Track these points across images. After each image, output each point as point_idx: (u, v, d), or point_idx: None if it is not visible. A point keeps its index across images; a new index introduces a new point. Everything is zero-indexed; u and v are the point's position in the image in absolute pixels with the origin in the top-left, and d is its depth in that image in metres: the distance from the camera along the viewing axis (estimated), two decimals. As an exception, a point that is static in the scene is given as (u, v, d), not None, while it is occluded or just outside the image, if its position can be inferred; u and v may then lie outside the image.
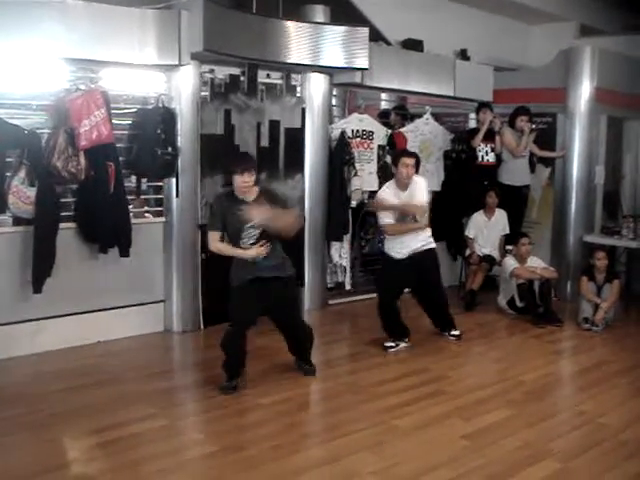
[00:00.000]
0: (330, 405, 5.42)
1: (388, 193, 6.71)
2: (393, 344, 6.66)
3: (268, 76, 7.72)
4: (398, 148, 8.54)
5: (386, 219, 6.71)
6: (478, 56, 10.26)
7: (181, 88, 6.83)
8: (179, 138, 6.82)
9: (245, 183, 5.47)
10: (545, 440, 4.82)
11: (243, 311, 5.47)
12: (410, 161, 6.59)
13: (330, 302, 8.25)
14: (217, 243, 5.52)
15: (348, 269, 8.51)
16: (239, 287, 5.53)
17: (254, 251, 5.41)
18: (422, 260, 6.74)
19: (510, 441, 4.76)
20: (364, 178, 8.38)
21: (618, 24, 11.60)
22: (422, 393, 5.60)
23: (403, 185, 6.63)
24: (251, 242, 5.46)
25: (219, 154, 7.09)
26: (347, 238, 8.44)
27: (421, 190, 6.68)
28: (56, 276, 6.15)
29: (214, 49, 6.62)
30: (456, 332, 7.11)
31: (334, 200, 8.12)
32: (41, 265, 6.07)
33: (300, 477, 4.24)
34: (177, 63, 6.63)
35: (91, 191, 6.35)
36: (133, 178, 6.93)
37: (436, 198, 9.26)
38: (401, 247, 6.69)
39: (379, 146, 8.55)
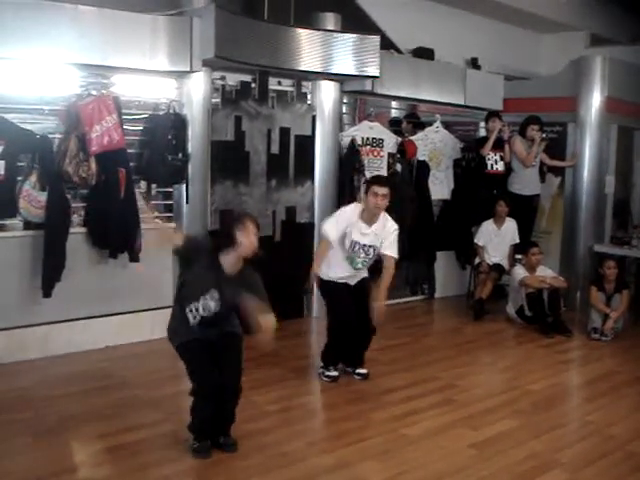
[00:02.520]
0: (338, 413, 5.41)
1: (347, 220, 5.94)
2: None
3: (279, 83, 7.74)
4: (408, 155, 8.56)
5: (330, 232, 5.96)
6: (489, 65, 10.25)
7: (192, 94, 6.85)
8: (190, 144, 6.85)
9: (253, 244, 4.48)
10: (553, 450, 4.80)
11: (206, 372, 4.56)
12: (383, 190, 5.78)
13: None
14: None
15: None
16: (187, 344, 4.61)
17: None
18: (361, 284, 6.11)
19: (518, 451, 4.75)
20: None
21: (629, 34, 11.58)
22: (430, 402, 5.59)
23: (370, 217, 5.87)
24: (201, 314, 4.50)
25: (229, 161, 7.12)
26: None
27: (392, 243, 5.94)
28: (66, 280, 6.17)
29: (225, 56, 6.64)
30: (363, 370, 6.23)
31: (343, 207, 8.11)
32: (51, 269, 6.09)
33: (307, 484, 4.25)
34: (188, 70, 6.65)
35: (102, 196, 6.37)
36: (143, 184, 6.94)
37: (445, 206, 9.29)
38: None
39: (389, 154, 8.55)
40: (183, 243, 4.53)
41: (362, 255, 5.89)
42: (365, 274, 6.09)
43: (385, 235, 5.92)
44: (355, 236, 5.84)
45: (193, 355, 4.57)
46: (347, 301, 5.96)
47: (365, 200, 5.91)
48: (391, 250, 5.91)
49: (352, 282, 6.03)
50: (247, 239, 4.41)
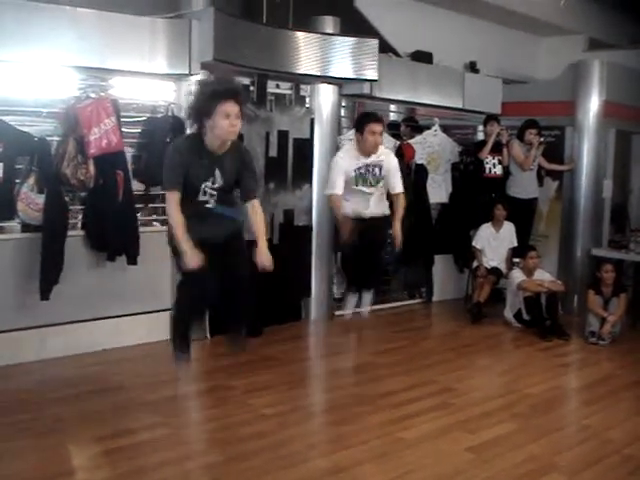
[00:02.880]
0: (335, 416, 5.40)
1: (343, 168, 6.20)
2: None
3: (277, 86, 7.73)
4: (406, 159, 8.56)
5: (335, 188, 6.22)
6: (487, 69, 10.28)
7: (191, 97, 6.84)
8: (188, 147, 6.83)
9: (234, 127, 4.47)
10: (550, 454, 4.80)
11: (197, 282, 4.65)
12: (380, 128, 6.12)
13: (337, 313, 8.24)
14: (176, 211, 4.51)
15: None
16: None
17: (192, 258, 4.42)
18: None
19: (515, 454, 4.74)
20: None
21: (627, 38, 11.62)
22: (428, 405, 5.59)
23: (367, 153, 6.18)
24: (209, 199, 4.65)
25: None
26: (354, 249, 8.42)
27: (397, 179, 6.34)
28: (64, 283, 6.16)
29: (224, 59, 6.65)
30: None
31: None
32: (49, 272, 6.08)
33: (304, 488, 4.24)
34: (187, 72, 6.65)
35: (100, 199, 6.36)
36: (142, 186, 6.94)
37: (443, 210, 9.29)
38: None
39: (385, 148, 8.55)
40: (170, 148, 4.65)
41: (369, 177, 6.23)
42: (380, 208, 6.35)
43: (389, 167, 6.25)
44: (358, 164, 6.16)
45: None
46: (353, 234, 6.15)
47: (361, 139, 6.12)
48: (399, 187, 6.31)
49: (366, 213, 6.26)
50: (225, 121, 4.40)
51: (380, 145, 6.19)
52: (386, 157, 6.33)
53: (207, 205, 4.65)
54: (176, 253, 4.64)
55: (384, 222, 6.41)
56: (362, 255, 6.42)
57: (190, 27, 6.57)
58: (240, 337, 5.17)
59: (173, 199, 4.52)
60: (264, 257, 4.67)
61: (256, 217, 4.80)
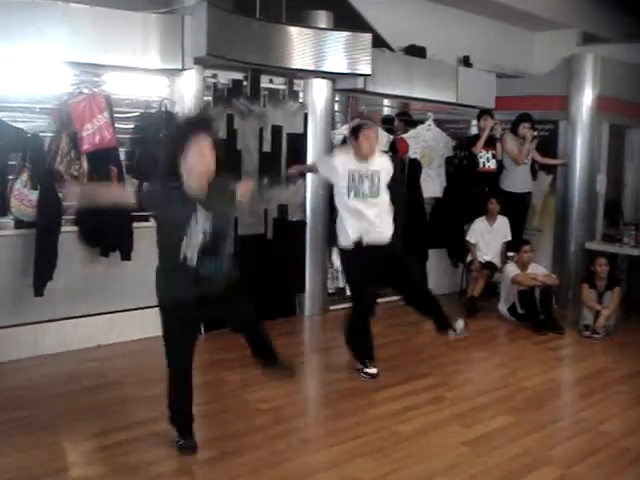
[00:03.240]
0: (330, 411, 5.41)
1: (343, 159, 5.96)
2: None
3: (271, 81, 7.73)
4: (400, 153, 8.55)
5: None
6: (481, 63, 10.27)
7: (184, 92, 6.83)
8: (182, 142, 6.82)
9: (205, 161, 4.11)
10: (546, 447, 4.82)
11: (181, 348, 4.45)
12: (373, 133, 5.93)
13: (331, 308, 8.23)
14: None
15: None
16: (170, 307, 4.38)
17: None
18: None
19: (510, 448, 4.76)
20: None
21: (621, 32, 11.61)
22: (423, 399, 5.60)
23: (364, 158, 5.89)
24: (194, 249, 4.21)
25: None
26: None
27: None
28: (57, 279, 6.15)
29: (217, 54, 6.63)
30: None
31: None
32: (43, 268, 6.07)
33: (300, 482, 4.25)
34: (180, 68, 6.63)
35: (93, 195, 6.35)
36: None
37: (437, 204, 9.30)
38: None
39: (381, 151, 8.54)
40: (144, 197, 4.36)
41: (367, 184, 5.86)
42: (386, 229, 5.95)
43: (386, 170, 6.01)
44: (353, 166, 5.86)
45: (174, 320, 4.37)
46: (368, 280, 5.92)
47: (356, 145, 5.89)
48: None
49: (373, 237, 5.85)
50: (196, 156, 4.07)
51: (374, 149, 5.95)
52: (385, 162, 6.11)
53: (187, 264, 4.21)
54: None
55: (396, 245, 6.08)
56: (396, 281, 6.12)
57: (183, 22, 6.55)
58: (280, 364, 4.82)
59: None
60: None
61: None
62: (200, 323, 4.47)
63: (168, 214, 4.21)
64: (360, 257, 5.85)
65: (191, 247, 4.18)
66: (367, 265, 5.81)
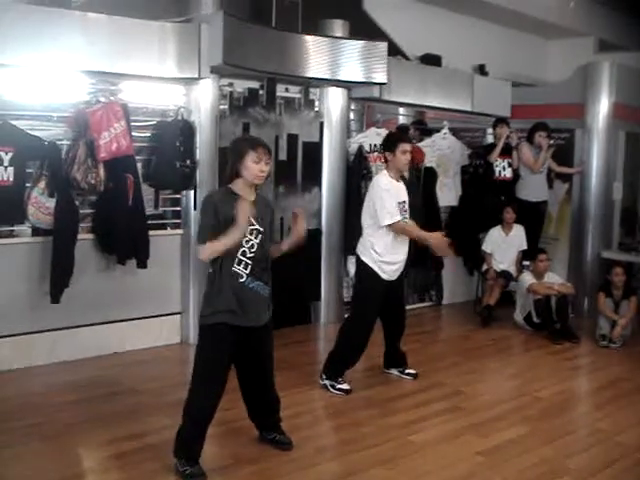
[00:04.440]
0: (344, 420, 5.40)
1: (392, 191, 5.82)
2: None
3: (287, 90, 7.75)
4: (416, 162, 8.54)
5: (395, 216, 5.75)
6: (496, 71, 10.28)
7: (200, 101, 6.87)
8: (197, 151, 6.85)
9: (263, 172, 4.28)
10: (561, 457, 4.79)
11: (218, 361, 4.35)
12: (410, 146, 5.94)
13: (346, 316, 8.21)
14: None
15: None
16: (216, 326, 4.30)
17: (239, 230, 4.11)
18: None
19: (526, 458, 4.74)
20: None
21: (637, 40, 11.58)
22: (437, 409, 5.59)
23: (398, 175, 5.93)
24: (250, 254, 4.28)
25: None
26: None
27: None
28: (74, 287, 6.18)
29: (233, 63, 6.65)
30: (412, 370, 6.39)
31: (351, 214, 8.12)
32: (59, 275, 6.10)
33: (315, 491, 4.25)
34: (196, 76, 6.66)
35: (110, 203, 6.39)
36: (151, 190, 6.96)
37: (453, 213, 9.28)
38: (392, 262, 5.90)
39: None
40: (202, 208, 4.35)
41: (406, 214, 5.88)
42: (406, 255, 5.96)
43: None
44: (401, 197, 5.85)
45: (212, 343, 4.31)
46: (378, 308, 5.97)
47: (393, 159, 5.82)
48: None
49: (399, 269, 5.92)
50: (253, 164, 4.23)
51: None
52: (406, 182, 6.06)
53: (241, 280, 4.27)
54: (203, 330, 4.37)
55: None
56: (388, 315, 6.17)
57: (199, 31, 6.58)
58: (281, 432, 4.76)
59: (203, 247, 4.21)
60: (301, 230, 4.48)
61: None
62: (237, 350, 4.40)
63: (224, 212, 4.23)
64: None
65: (243, 262, 4.31)
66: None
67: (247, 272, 4.27)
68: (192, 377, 4.39)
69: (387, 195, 5.75)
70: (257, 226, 4.28)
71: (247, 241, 4.25)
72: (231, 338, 4.30)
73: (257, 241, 4.28)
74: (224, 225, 4.13)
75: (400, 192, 5.87)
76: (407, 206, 5.89)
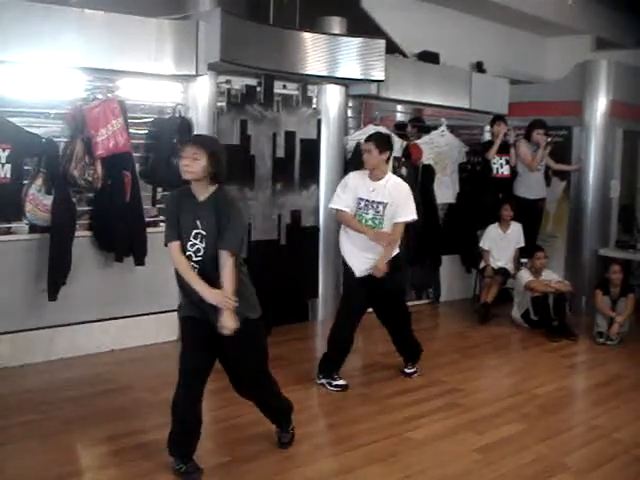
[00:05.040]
0: (343, 416, 5.40)
1: (353, 183, 5.86)
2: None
3: (284, 87, 7.74)
4: (413, 159, 8.55)
5: (339, 203, 5.85)
6: (494, 69, 10.28)
7: (198, 98, 6.86)
8: (195, 148, 6.83)
9: (186, 166, 4.09)
10: (559, 454, 4.80)
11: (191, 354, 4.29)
12: (367, 146, 5.75)
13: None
14: (180, 257, 4.18)
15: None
16: (185, 319, 4.33)
17: (211, 295, 4.07)
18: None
19: (523, 455, 4.74)
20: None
21: (634, 38, 11.59)
22: (436, 406, 5.59)
23: (374, 176, 5.80)
24: (195, 258, 4.18)
25: (235, 164, 7.11)
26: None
27: (408, 204, 5.84)
28: (71, 284, 6.17)
29: (231, 60, 6.65)
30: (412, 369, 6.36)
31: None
32: (57, 273, 6.09)
33: (312, 488, 4.25)
34: (194, 73, 6.66)
35: (107, 200, 6.38)
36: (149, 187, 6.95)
37: (451, 210, 9.28)
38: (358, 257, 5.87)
39: (394, 158, 8.52)
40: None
41: (371, 212, 5.78)
42: (376, 254, 5.80)
43: (398, 196, 5.79)
44: (362, 194, 5.80)
45: (183, 333, 4.36)
46: (357, 308, 5.95)
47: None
48: (402, 216, 5.80)
49: (367, 264, 5.82)
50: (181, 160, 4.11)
51: (371, 165, 5.75)
52: (393, 189, 5.81)
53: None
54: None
55: (392, 266, 5.88)
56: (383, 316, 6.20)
57: (197, 28, 6.57)
58: (285, 429, 4.75)
59: (173, 249, 4.20)
60: (228, 322, 4.07)
61: (224, 270, 4.10)
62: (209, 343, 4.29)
63: (179, 211, 4.25)
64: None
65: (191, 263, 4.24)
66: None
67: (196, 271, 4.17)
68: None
69: (342, 185, 5.91)
70: (200, 230, 4.15)
71: (192, 245, 4.16)
72: (201, 333, 4.22)
73: (202, 245, 4.15)
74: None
75: (364, 189, 5.79)
76: (375, 206, 5.77)
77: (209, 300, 4.06)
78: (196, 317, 4.23)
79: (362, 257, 5.85)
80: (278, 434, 4.74)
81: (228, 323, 4.07)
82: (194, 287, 4.10)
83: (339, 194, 5.89)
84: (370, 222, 5.79)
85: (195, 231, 4.15)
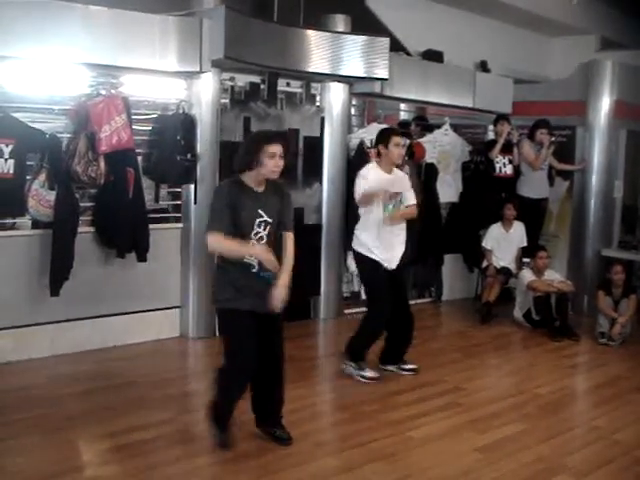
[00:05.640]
0: (344, 415, 5.41)
1: (373, 175, 5.98)
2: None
3: (288, 85, 7.74)
4: (416, 158, 8.54)
5: (360, 188, 5.93)
6: (498, 68, 10.26)
7: (201, 95, 6.86)
8: (198, 145, 6.85)
9: (277, 167, 4.36)
10: (559, 455, 4.80)
11: (247, 350, 4.44)
12: (402, 141, 6.08)
13: (346, 311, 8.23)
14: (227, 240, 4.30)
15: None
16: (237, 311, 4.44)
17: (259, 250, 4.33)
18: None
19: (524, 455, 4.74)
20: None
21: (639, 38, 11.56)
22: (437, 405, 5.59)
23: (389, 168, 6.03)
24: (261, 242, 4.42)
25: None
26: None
27: (409, 189, 6.15)
28: (74, 280, 6.18)
29: (235, 57, 6.65)
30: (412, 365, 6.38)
31: (352, 209, 8.11)
32: (59, 268, 6.10)
33: (313, 486, 4.25)
34: (198, 70, 6.65)
35: (110, 196, 6.38)
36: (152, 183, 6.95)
37: (453, 209, 9.28)
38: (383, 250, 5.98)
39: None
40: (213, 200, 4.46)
41: (392, 201, 5.95)
42: (401, 246, 6.07)
43: (404, 186, 6.07)
44: (384, 186, 5.87)
45: (238, 326, 4.44)
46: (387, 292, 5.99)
47: (386, 152, 5.94)
48: (411, 199, 6.10)
49: (390, 253, 5.97)
50: (268, 159, 4.31)
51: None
52: (402, 180, 6.14)
53: (253, 270, 4.38)
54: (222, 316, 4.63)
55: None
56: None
57: (201, 25, 6.57)
58: (281, 427, 4.75)
59: (218, 237, 4.29)
60: (279, 297, 4.36)
61: (287, 249, 4.53)
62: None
63: (236, 204, 4.38)
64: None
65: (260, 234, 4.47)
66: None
67: (257, 262, 4.36)
68: (225, 353, 4.51)
69: (361, 180, 5.93)
70: (265, 217, 4.38)
71: (255, 233, 4.38)
72: (252, 321, 4.41)
73: (265, 233, 4.40)
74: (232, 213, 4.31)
75: (383, 182, 5.90)
76: (395, 196, 5.96)
77: (264, 257, 4.28)
78: (242, 309, 4.39)
79: (391, 250, 5.99)
80: (277, 433, 4.70)
81: (280, 295, 4.35)
82: (250, 252, 4.33)
83: (363, 183, 5.91)
84: (390, 210, 5.95)
85: (259, 220, 4.37)
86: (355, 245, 6.09)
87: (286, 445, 4.66)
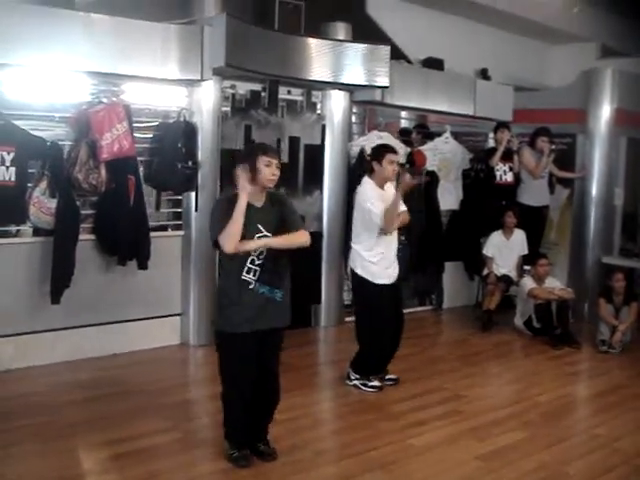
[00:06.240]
0: (344, 423, 5.41)
1: (375, 193, 5.92)
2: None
3: (289, 92, 7.75)
4: (417, 165, 8.54)
5: (377, 210, 5.78)
6: (498, 76, 10.28)
7: (202, 103, 6.87)
8: (199, 152, 6.86)
9: (274, 175, 4.38)
10: (560, 463, 4.79)
11: (242, 378, 4.46)
12: (397, 158, 5.98)
13: (347, 319, 8.22)
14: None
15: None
16: (235, 336, 4.39)
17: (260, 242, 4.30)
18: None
19: (525, 463, 4.73)
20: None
21: (639, 46, 11.58)
22: (437, 412, 5.58)
23: (382, 184, 5.93)
24: (258, 261, 4.36)
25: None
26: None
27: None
28: (75, 287, 6.18)
29: (236, 65, 6.66)
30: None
31: (352, 217, 8.12)
32: (60, 276, 6.10)
33: (313, 494, 4.25)
34: (199, 78, 6.67)
35: (111, 203, 6.39)
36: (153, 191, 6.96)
37: (454, 217, 9.28)
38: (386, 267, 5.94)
39: (398, 164, 8.52)
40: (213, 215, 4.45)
41: None
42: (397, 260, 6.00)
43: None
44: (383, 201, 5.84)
45: (236, 351, 4.39)
46: (387, 307, 5.93)
47: (380, 169, 5.85)
48: (402, 206, 5.91)
49: (392, 268, 5.93)
50: (267, 168, 4.33)
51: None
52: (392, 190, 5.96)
53: (250, 287, 4.34)
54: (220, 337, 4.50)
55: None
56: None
57: (202, 33, 6.58)
58: (266, 445, 4.66)
59: (223, 235, 4.25)
60: (252, 243, 4.30)
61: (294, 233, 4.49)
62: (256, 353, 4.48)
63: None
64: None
65: (252, 270, 4.41)
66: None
67: (255, 278, 4.35)
68: (221, 375, 4.49)
69: (370, 204, 5.80)
70: (264, 232, 4.36)
71: (255, 249, 4.34)
72: (252, 342, 4.39)
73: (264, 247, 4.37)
74: None
75: (383, 197, 5.84)
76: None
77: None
78: (245, 332, 4.36)
79: (393, 266, 5.94)
80: (261, 448, 4.60)
81: (254, 243, 4.30)
82: (253, 245, 4.28)
83: (376, 205, 5.79)
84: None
85: (258, 235, 4.34)
86: (357, 268, 5.94)
87: (269, 461, 4.56)
